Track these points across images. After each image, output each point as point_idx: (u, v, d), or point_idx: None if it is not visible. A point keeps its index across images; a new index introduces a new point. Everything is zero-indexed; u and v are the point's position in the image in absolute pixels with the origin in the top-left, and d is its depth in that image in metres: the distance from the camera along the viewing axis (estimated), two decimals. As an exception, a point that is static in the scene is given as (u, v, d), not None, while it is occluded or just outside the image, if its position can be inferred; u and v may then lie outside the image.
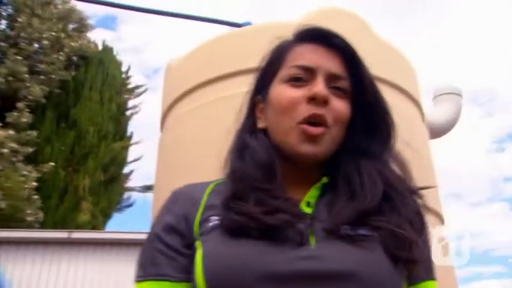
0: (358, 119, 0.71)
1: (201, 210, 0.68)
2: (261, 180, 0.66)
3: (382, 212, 0.64)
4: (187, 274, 0.64)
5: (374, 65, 1.75)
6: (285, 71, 0.71)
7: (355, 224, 0.62)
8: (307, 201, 0.68)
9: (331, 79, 0.69)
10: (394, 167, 0.71)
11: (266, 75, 0.75)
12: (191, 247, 0.65)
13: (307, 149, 0.66)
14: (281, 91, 0.70)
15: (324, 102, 0.66)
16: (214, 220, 0.65)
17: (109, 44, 11.10)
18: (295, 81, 0.69)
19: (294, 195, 0.67)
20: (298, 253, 0.59)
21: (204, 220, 0.66)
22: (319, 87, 0.66)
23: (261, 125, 0.74)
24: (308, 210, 0.66)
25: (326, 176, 0.70)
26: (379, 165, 0.69)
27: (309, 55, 0.70)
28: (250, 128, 0.74)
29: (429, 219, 1.74)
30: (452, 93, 2.62)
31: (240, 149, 0.72)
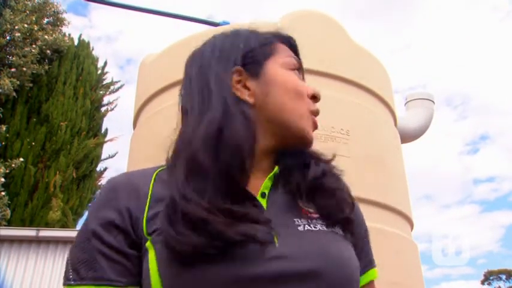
0: None
1: (148, 204, 0.61)
2: (231, 176, 0.59)
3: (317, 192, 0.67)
4: (131, 278, 0.58)
5: (349, 69, 1.77)
6: (285, 59, 0.72)
7: (292, 208, 0.64)
8: (262, 191, 0.65)
9: None
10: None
11: (256, 52, 0.71)
12: (137, 247, 0.59)
13: (312, 136, 0.70)
14: (293, 77, 0.71)
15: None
16: None
17: (80, 30, 10.83)
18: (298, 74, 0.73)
19: (253, 183, 0.64)
20: (266, 253, 0.56)
21: (154, 216, 0.59)
22: (317, 89, 0.72)
23: (249, 99, 0.67)
24: (263, 201, 0.64)
25: (276, 163, 0.69)
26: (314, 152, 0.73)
27: (293, 57, 0.74)
28: (230, 98, 0.65)
29: (399, 221, 1.77)
30: (425, 99, 2.68)
31: (215, 131, 0.61)
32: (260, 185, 0.65)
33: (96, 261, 0.57)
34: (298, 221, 0.62)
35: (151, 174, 0.66)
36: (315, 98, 0.72)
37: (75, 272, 0.58)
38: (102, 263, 0.57)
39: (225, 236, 0.53)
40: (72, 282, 0.57)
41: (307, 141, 0.69)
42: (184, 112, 0.70)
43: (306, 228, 0.61)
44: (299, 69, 0.74)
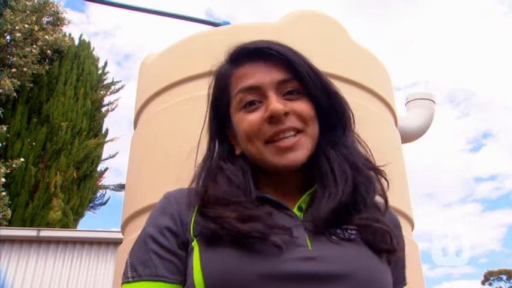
0: (319, 111, 0.73)
1: (195, 212, 0.69)
2: (236, 195, 0.67)
3: (355, 205, 0.69)
4: (178, 275, 0.65)
5: (350, 69, 1.78)
6: (235, 99, 0.72)
7: (336, 222, 0.67)
8: (299, 205, 0.71)
9: (280, 87, 0.71)
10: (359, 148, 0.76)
11: (221, 106, 0.76)
12: (186, 248, 0.67)
13: (287, 158, 0.68)
14: (240, 119, 0.71)
15: (283, 115, 0.68)
16: None
17: (77, 26, 10.84)
18: (250, 105, 0.71)
19: (287, 203, 0.70)
20: (297, 254, 0.61)
21: (199, 221, 0.67)
22: (273, 104, 0.68)
23: (238, 151, 0.76)
24: (299, 214, 0.70)
25: (309, 175, 0.73)
26: (345, 150, 0.72)
27: (250, 75, 0.72)
28: (226, 155, 0.76)
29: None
30: (425, 99, 2.68)
31: (214, 172, 0.73)
32: (297, 200, 0.71)
33: (151, 260, 0.66)
34: (334, 231, 0.66)
35: (196, 190, 0.73)
36: (272, 117, 0.68)
37: (132, 270, 0.66)
38: (155, 261, 0.65)
39: (235, 227, 0.61)
40: (131, 280, 0.66)
41: (284, 168, 0.69)
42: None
43: (340, 237, 0.66)
44: (257, 88, 0.70)
